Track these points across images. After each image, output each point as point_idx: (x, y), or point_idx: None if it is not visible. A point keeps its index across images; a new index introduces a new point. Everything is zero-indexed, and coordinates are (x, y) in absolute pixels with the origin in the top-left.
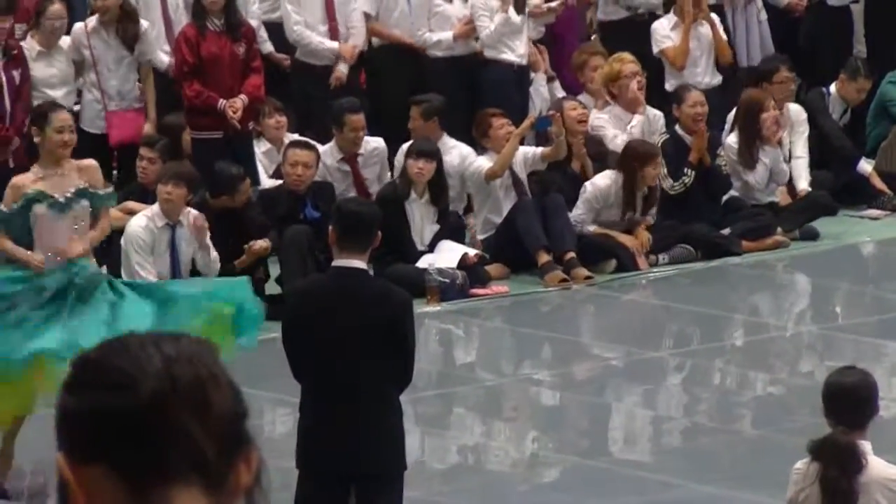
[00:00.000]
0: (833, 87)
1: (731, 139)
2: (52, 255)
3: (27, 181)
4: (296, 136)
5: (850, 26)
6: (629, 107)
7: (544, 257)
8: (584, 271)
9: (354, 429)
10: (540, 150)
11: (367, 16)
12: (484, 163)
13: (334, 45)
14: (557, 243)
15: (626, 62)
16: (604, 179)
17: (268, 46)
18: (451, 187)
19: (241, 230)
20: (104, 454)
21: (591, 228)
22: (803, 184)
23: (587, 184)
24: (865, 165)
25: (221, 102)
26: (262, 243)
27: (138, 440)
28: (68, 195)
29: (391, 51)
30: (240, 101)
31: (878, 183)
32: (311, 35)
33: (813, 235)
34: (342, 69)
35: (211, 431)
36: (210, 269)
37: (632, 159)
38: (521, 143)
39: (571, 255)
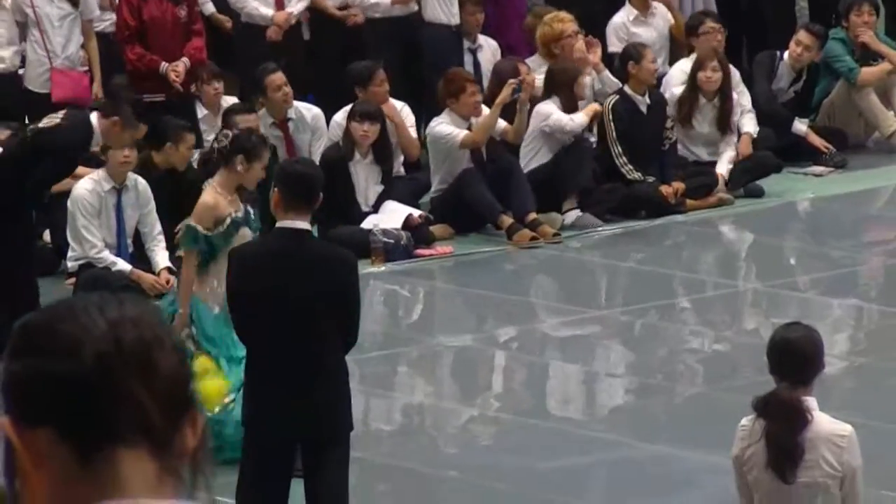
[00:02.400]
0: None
1: (676, 91)
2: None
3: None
4: (234, 100)
5: None
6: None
7: (507, 221)
8: (550, 229)
9: (300, 390)
10: (503, 126)
11: None
12: (447, 128)
13: (268, 11)
14: (518, 207)
15: (566, 21)
16: (546, 106)
17: (209, 7)
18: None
19: (181, 192)
20: (50, 418)
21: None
22: (748, 128)
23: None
24: (800, 126)
25: (164, 66)
26: None
27: (84, 403)
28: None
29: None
30: (182, 64)
31: (816, 140)
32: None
33: (758, 193)
34: (272, 34)
35: (156, 394)
36: (155, 237)
37: (560, 82)
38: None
39: (533, 215)
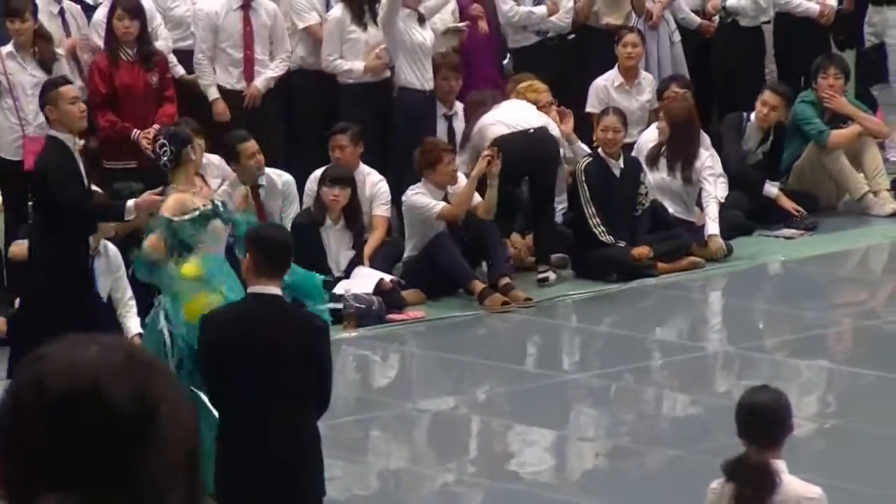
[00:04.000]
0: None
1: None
2: None
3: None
4: (214, 157)
5: (762, 47)
6: None
7: (478, 285)
8: (522, 294)
9: (273, 455)
10: (475, 201)
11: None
12: (424, 199)
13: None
14: (494, 271)
15: (540, 91)
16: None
17: (179, 70)
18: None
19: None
20: None
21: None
22: (718, 193)
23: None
24: (771, 188)
25: (135, 133)
26: None
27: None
28: None
29: (309, 76)
30: (154, 131)
31: (786, 203)
32: (209, 76)
33: (727, 251)
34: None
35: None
36: (126, 303)
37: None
38: None
39: (507, 280)
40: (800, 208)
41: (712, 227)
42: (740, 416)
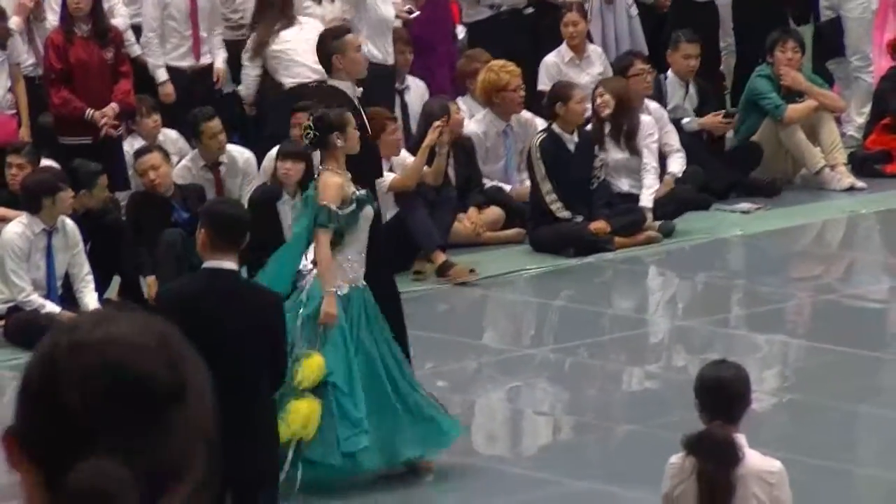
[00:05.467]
0: (670, 72)
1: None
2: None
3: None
4: (171, 132)
5: (715, 21)
6: (506, 114)
7: (441, 257)
8: (466, 267)
9: (229, 432)
10: (424, 169)
11: None
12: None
13: (162, 75)
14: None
15: (514, 74)
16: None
17: (136, 49)
18: None
19: (102, 234)
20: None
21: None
22: (672, 168)
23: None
24: (691, 123)
25: (89, 112)
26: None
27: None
28: None
29: None
30: (111, 110)
31: (709, 121)
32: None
33: (668, 231)
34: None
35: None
36: (83, 278)
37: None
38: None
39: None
40: (727, 116)
41: (645, 199)
42: (702, 390)
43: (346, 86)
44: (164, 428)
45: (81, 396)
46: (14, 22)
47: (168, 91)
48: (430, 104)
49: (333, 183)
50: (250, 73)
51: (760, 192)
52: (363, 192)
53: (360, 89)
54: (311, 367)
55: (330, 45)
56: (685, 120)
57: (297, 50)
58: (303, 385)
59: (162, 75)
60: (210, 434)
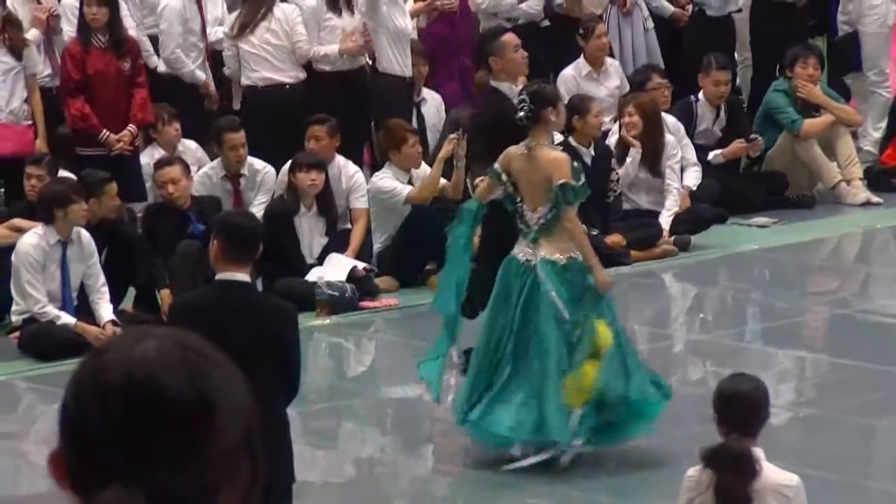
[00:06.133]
0: (701, 94)
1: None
2: None
3: None
4: (190, 143)
5: (732, 35)
6: None
7: None
8: None
9: None
10: (442, 183)
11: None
12: (391, 183)
13: (201, 76)
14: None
15: None
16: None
17: (154, 60)
18: (338, 205)
19: (117, 245)
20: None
21: None
22: (688, 181)
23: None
24: (718, 156)
25: (104, 134)
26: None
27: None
28: None
29: None
30: (129, 134)
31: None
32: (185, 62)
33: (683, 245)
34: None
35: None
36: (98, 290)
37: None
38: None
39: None
40: (751, 143)
41: (664, 221)
42: (720, 403)
43: (505, 87)
44: (190, 444)
45: (103, 417)
46: (32, 34)
47: (213, 91)
48: (455, 113)
49: (564, 158)
50: (233, 52)
51: (795, 206)
52: (577, 163)
53: (520, 85)
54: (604, 331)
55: (488, 46)
56: (711, 155)
57: (266, 48)
58: (603, 349)
59: (201, 76)
60: (252, 444)
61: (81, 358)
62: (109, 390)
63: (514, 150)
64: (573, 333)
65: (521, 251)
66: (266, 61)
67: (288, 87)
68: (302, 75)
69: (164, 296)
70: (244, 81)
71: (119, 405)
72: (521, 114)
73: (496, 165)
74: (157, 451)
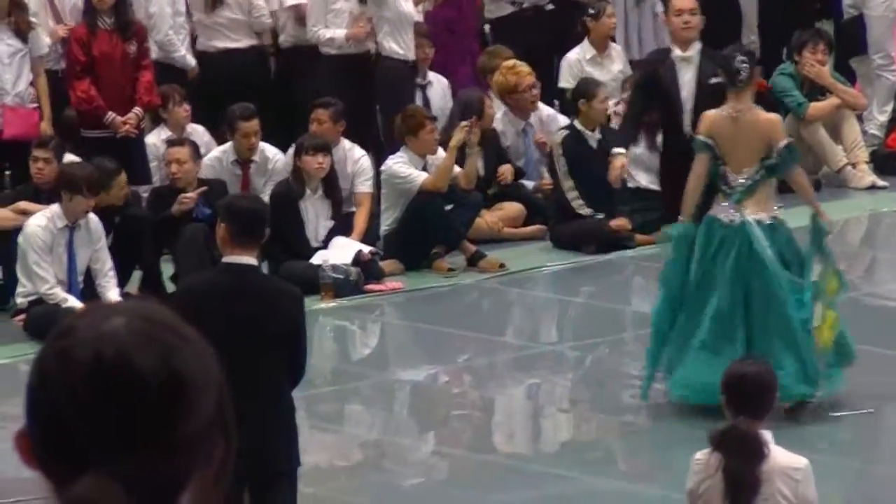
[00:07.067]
0: None
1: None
2: None
3: None
4: (198, 127)
5: (739, 17)
6: (521, 113)
7: (471, 248)
8: (497, 260)
9: (247, 427)
10: (455, 171)
11: None
12: (406, 169)
13: (192, 61)
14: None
15: (524, 75)
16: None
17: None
18: (343, 189)
19: (123, 228)
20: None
21: None
22: None
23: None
24: None
25: (109, 115)
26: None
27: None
28: None
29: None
30: (135, 116)
31: None
32: (177, 45)
33: None
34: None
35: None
36: (106, 273)
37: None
38: None
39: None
40: None
41: None
42: (728, 386)
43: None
44: (162, 424)
45: (71, 398)
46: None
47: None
48: (465, 95)
49: (779, 118)
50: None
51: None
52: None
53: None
54: (833, 279)
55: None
56: None
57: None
58: (839, 296)
59: (192, 61)
60: (224, 426)
61: (47, 339)
62: (77, 370)
63: (717, 115)
64: (800, 285)
65: (722, 211)
66: (221, 33)
67: (241, 52)
68: (255, 42)
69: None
70: (198, 48)
71: (88, 385)
72: (742, 75)
73: (700, 137)
74: (128, 432)
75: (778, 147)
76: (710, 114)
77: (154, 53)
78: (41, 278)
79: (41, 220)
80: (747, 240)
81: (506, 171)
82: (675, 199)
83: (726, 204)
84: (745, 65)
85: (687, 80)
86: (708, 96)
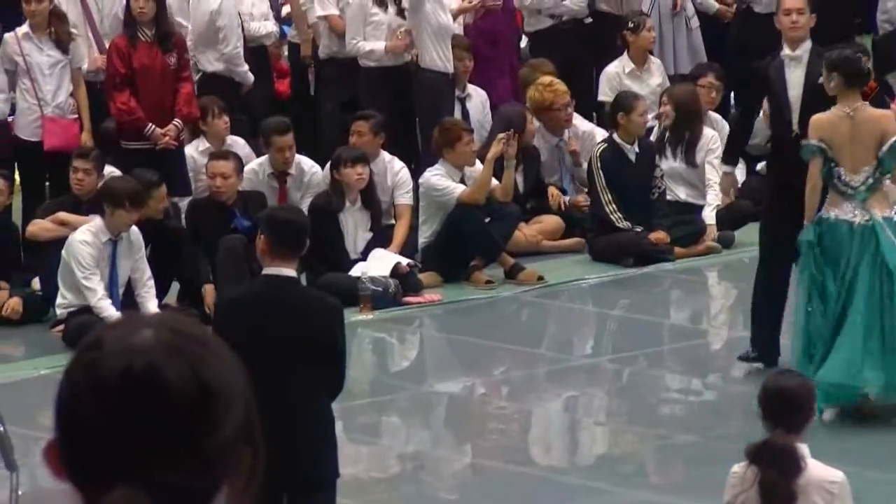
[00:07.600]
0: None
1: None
2: None
3: None
4: (238, 139)
5: (778, 32)
6: (556, 130)
7: (510, 260)
8: (535, 273)
9: (287, 438)
10: (493, 184)
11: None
12: (444, 182)
13: (251, 77)
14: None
15: (560, 94)
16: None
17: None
18: (382, 201)
19: (162, 240)
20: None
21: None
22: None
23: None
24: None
25: (149, 128)
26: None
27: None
28: None
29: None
30: (174, 128)
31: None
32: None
33: (727, 242)
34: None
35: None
36: (145, 283)
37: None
38: None
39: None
40: None
41: (708, 216)
42: (766, 399)
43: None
44: (191, 436)
45: (101, 411)
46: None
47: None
48: (507, 110)
49: (892, 113)
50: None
51: None
52: None
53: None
54: None
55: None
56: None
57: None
58: None
59: (251, 77)
60: (252, 432)
61: (77, 351)
62: (107, 383)
63: (830, 117)
64: None
65: (848, 213)
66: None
67: None
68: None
69: (209, 291)
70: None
71: (118, 398)
72: (871, 76)
73: (812, 141)
74: (157, 444)
75: (890, 142)
76: (821, 117)
77: (212, 66)
78: (92, 290)
79: (86, 235)
80: (875, 238)
81: (556, 195)
82: (780, 199)
83: (850, 205)
84: (869, 65)
85: (795, 78)
86: (817, 96)
